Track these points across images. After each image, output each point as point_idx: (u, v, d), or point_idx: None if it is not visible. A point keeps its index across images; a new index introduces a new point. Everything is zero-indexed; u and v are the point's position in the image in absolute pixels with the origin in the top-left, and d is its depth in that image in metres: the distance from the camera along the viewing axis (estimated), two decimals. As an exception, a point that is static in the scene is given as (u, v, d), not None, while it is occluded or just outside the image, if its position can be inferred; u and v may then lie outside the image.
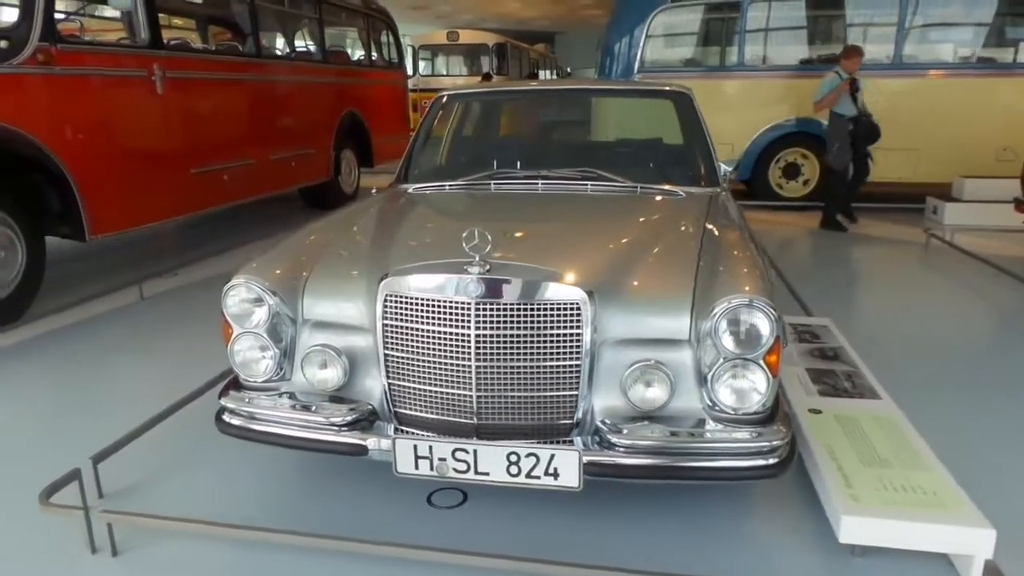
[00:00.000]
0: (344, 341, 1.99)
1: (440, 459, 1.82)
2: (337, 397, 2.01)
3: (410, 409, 1.96)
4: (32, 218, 4.00)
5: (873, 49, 7.04)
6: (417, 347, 1.89)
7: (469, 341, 1.83)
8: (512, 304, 1.81)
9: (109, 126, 4.41)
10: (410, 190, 2.95)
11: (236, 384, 2.10)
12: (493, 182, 2.84)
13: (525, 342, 1.83)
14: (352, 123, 7.67)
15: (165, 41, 4.90)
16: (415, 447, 1.82)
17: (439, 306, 1.84)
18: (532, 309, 1.81)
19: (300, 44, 7.31)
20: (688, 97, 3.18)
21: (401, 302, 1.89)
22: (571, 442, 1.89)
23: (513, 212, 2.56)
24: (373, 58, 8.47)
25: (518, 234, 1.88)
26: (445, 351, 1.86)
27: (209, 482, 2.33)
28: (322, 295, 2.05)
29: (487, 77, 14.72)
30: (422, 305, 1.86)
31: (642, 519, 2.08)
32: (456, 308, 1.82)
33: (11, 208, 3.83)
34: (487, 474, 1.81)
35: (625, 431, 1.81)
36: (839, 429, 2.30)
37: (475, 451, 1.80)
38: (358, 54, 8.36)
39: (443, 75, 15.63)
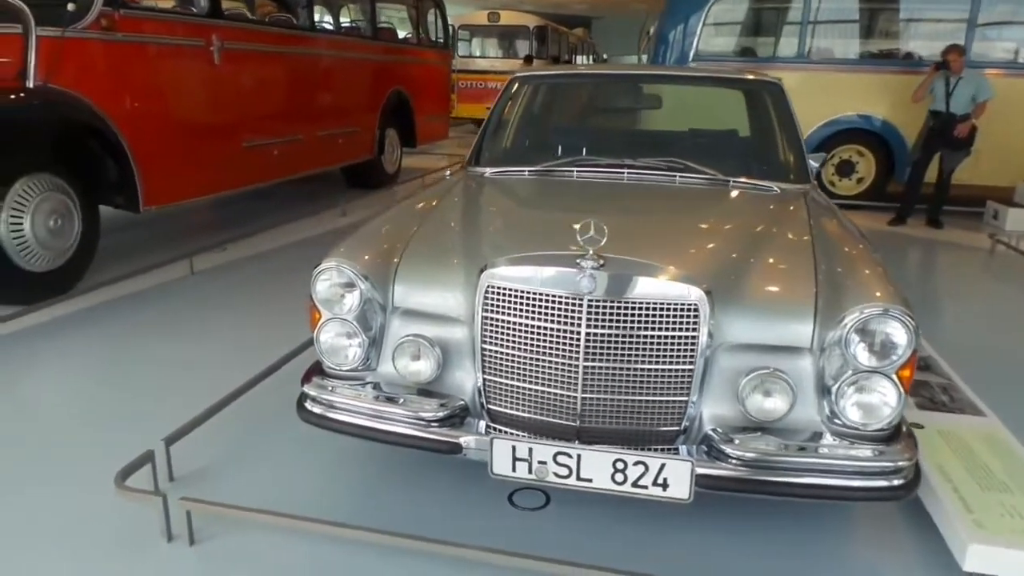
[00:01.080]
0: (437, 332, 1.89)
1: (540, 462, 1.71)
2: (424, 390, 1.91)
3: (504, 407, 1.86)
4: (87, 186, 3.94)
5: (935, 46, 6.78)
6: (519, 343, 1.79)
7: (578, 339, 1.72)
8: (626, 302, 1.70)
9: (166, 95, 4.34)
10: (487, 174, 2.83)
11: (319, 370, 2.01)
12: (576, 169, 2.72)
13: (637, 342, 1.71)
14: (398, 102, 7.55)
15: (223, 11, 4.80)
16: (514, 448, 1.72)
17: (547, 301, 1.73)
18: (647, 308, 1.70)
19: (351, 19, 7.19)
20: (779, 87, 3.03)
21: (503, 294, 1.79)
22: (675, 450, 1.78)
23: (609, 203, 2.43)
24: (420, 36, 8.33)
25: (625, 227, 1.76)
26: (550, 348, 1.75)
27: (279, 468, 2.25)
28: (415, 283, 1.95)
29: (528, 60, 14.49)
30: (527, 299, 1.75)
31: (737, 533, 1.97)
32: (566, 304, 1.71)
33: (68, 176, 3.77)
34: (590, 480, 1.71)
35: (737, 441, 1.70)
36: (946, 447, 2.16)
37: (578, 456, 1.69)
38: (405, 32, 8.22)
39: (481, 56, 15.42)
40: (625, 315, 1.70)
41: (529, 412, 1.84)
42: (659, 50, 7.55)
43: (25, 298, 3.57)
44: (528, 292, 1.75)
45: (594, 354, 1.72)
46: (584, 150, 2.87)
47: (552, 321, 1.73)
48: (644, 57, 19.01)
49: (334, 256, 1.94)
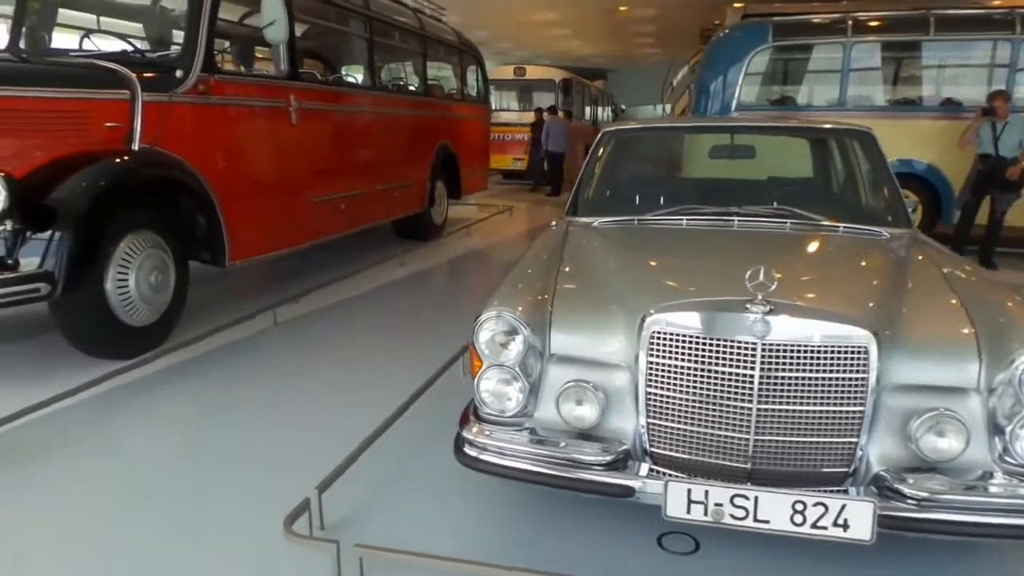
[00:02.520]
0: (598, 377, 1.94)
1: (717, 504, 1.74)
2: (584, 434, 1.96)
3: (668, 450, 1.90)
4: (179, 243, 4.07)
5: (973, 91, 6.91)
6: (687, 387, 1.84)
7: (752, 383, 1.77)
8: (798, 345, 1.75)
9: (251, 155, 4.50)
10: (595, 224, 2.92)
11: (476, 415, 2.06)
12: (685, 218, 2.80)
13: (809, 385, 1.76)
14: (445, 155, 7.75)
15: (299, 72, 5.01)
16: (689, 491, 1.75)
17: (719, 345, 1.79)
18: (817, 351, 1.75)
19: (406, 77, 7.44)
20: (872, 136, 3.12)
21: (670, 340, 1.84)
22: (844, 491, 1.81)
23: (745, 249, 2.49)
24: (464, 92, 8.59)
25: (777, 273, 1.82)
26: (722, 392, 1.80)
27: (420, 509, 2.30)
28: (572, 329, 2.01)
29: (552, 111, 14.79)
30: (697, 344, 1.81)
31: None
32: (739, 348, 1.77)
33: (165, 232, 3.90)
34: (767, 522, 1.73)
35: (912, 481, 1.72)
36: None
37: (756, 498, 1.72)
38: (449, 87, 8.49)
39: (507, 110, 15.78)
40: (797, 358, 1.75)
41: (695, 455, 1.87)
42: (700, 101, 7.74)
43: (126, 352, 3.66)
44: (697, 337, 1.81)
45: (767, 397, 1.77)
46: (688, 199, 2.95)
47: (725, 365, 1.79)
48: (668, 107, 19.43)
49: (496, 304, 2.01)
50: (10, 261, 3.17)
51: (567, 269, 2.32)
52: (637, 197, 3.20)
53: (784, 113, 7.28)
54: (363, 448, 2.48)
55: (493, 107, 16.12)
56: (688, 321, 1.83)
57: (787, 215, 2.77)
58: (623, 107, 25.86)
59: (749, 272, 1.79)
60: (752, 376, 1.76)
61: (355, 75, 6.06)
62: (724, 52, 7.56)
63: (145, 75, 3.76)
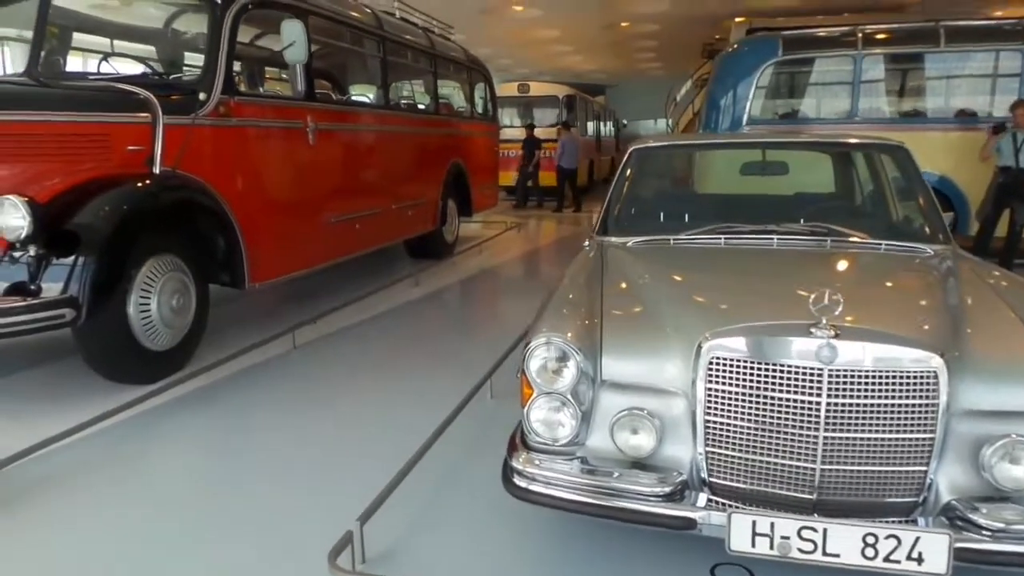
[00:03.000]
0: (653, 405, 1.88)
1: (783, 537, 1.68)
2: (638, 463, 1.90)
3: (728, 479, 1.84)
4: (198, 265, 4.03)
5: (985, 102, 6.90)
6: (748, 414, 1.78)
7: (818, 410, 1.71)
8: (866, 371, 1.69)
9: (270, 176, 4.47)
10: (629, 244, 2.87)
11: (524, 443, 2.00)
12: (724, 237, 2.76)
13: (877, 412, 1.70)
14: (456, 173, 7.73)
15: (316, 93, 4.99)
16: (754, 523, 1.69)
17: (783, 372, 1.73)
18: (887, 376, 1.70)
19: (418, 95, 7.44)
20: (906, 150, 3.08)
21: (729, 366, 1.79)
22: (913, 522, 1.75)
23: (795, 270, 2.44)
24: (473, 109, 8.59)
25: (836, 295, 1.77)
26: (787, 420, 1.74)
27: (465, 540, 2.24)
28: (625, 355, 1.95)
29: (566, 127, 14.78)
30: (759, 370, 1.76)
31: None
32: (804, 374, 1.71)
33: (186, 255, 3.86)
34: (837, 555, 1.67)
35: (986, 511, 1.66)
36: None
37: (825, 530, 1.66)
38: (459, 105, 8.49)
39: (510, 126, 15.80)
40: (865, 384, 1.70)
41: (757, 485, 1.81)
42: (711, 117, 7.73)
43: (147, 377, 3.61)
44: (758, 363, 1.76)
45: (835, 425, 1.71)
46: (720, 217, 2.91)
47: (790, 392, 1.73)
48: (671, 121, 19.45)
49: (546, 331, 1.96)
50: (32, 287, 3.12)
51: (611, 292, 2.27)
52: (668, 215, 3.15)
53: (796, 128, 7.27)
54: (402, 476, 2.42)
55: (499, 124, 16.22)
56: (748, 346, 1.77)
57: (825, 232, 2.72)
58: (624, 122, 25.92)
59: (814, 295, 1.73)
60: (818, 403, 1.71)
61: (369, 95, 6.04)
62: (734, 66, 7.56)
63: (167, 98, 3.73)
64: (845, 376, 1.70)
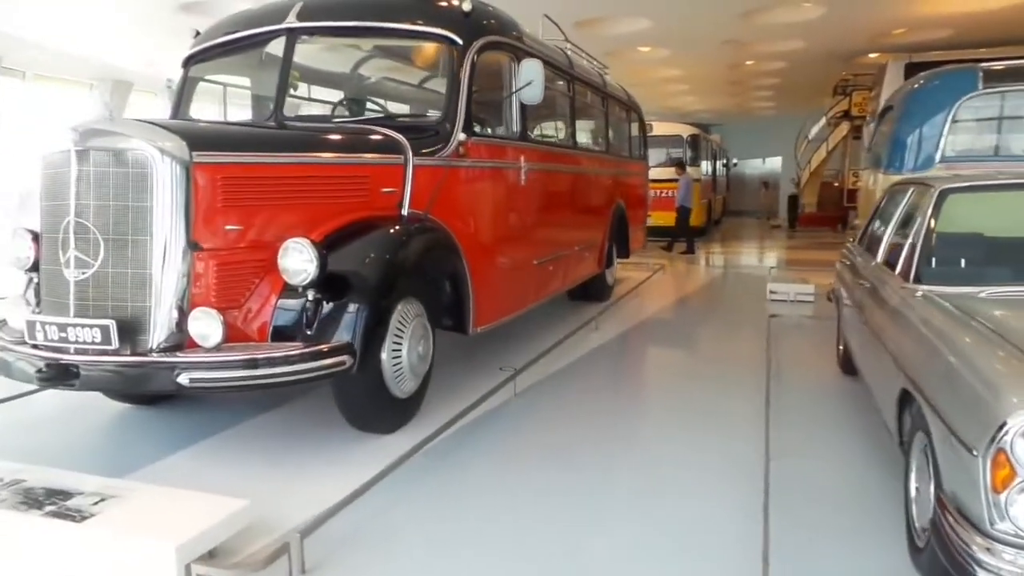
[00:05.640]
0: None
1: None
2: None
3: None
4: (431, 310, 3.92)
5: None
6: None
7: None
8: None
9: (493, 217, 4.37)
10: (982, 295, 2.54)
11: (977, 528, 1.69)
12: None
13: None
14: (619, 214, 7.53)
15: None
16: None
17: None
18: None
19: (594, 135, 7.32)
20: None
21: None
22: None
23: None
24: (631, 148, 8.41)
25: None
26: None
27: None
28: None
29: (680, 165, 14.48)
30: None
31: None
32: None
33: (426, 300, 3.75)
34: None
35: None
36: None
37: None
38: (621, 145, 8.33)
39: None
40: None
41: None
42: (895, 155, 7.26)
43: (389, 426, 3.49)
44: None
45: None
46: None
47: None
48: (800, 160, 18.79)
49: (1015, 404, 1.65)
50: (309, 332, 3.04)
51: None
52: (996, 261, 2.82)
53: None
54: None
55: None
56: None
57: None
58: (735, 161, 25.36)
59: None
60: None
61: (560, 135, 5.93)
62: (924, 102, 7.09)
63: (416, 140, 3.68)
64: None
